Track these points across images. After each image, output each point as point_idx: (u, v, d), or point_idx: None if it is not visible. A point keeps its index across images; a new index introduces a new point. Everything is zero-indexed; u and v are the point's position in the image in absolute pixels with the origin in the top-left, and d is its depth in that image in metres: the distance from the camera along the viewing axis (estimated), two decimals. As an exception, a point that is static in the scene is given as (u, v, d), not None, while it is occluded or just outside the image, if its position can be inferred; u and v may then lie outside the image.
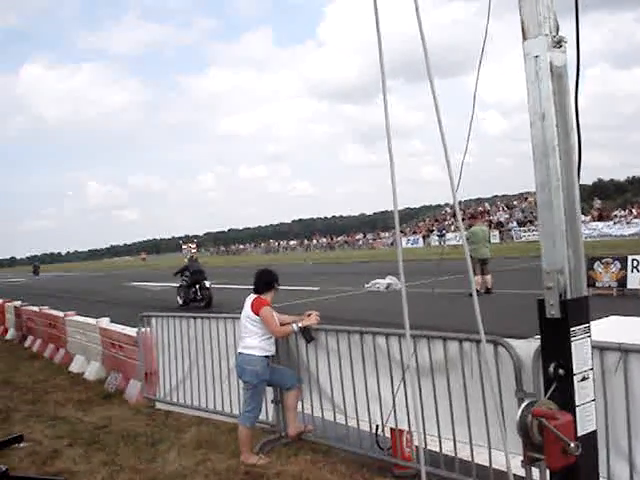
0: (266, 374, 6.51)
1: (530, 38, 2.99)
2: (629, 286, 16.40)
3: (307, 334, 6.53)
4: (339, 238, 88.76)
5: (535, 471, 4.47)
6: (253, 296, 6.71)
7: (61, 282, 56.76)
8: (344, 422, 6.27)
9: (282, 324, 6.58)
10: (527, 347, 4.65)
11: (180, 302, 22.75)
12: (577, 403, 2.97)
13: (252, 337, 6.52)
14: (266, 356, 6.52)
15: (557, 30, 3.02)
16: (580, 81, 3.11)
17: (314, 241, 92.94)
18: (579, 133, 3.07)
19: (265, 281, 6.78)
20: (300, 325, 6.49)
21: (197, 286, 21.98)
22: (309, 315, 6.63)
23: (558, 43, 2.98)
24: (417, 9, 2.41)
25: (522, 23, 3.02)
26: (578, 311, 2.98)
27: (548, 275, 2.97)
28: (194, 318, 8.12)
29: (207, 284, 21.85)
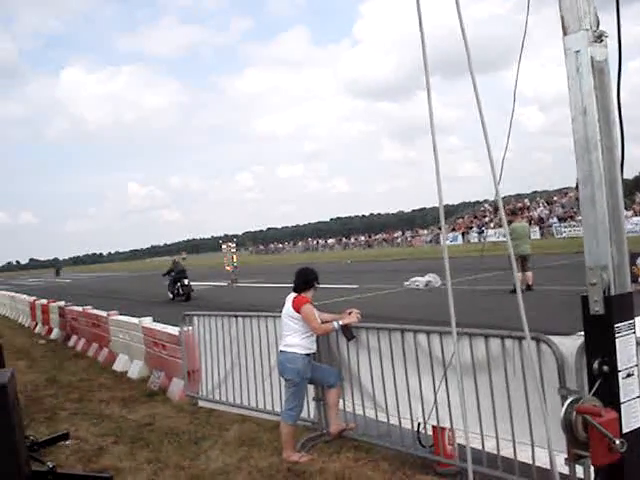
0: (307, 372, 6.51)
1: (570, 33, 2.98)
2: (674, 282, 16.07)
3: (348, 332, 6.51)
4: (377, 236, 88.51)
5: (579, 469, 4.44)
6: (293, 294, 6.70)
7: (103, 282, 57.50)
8: (386, 420, 6.27)
9: (323, 322, 6.57)
10: (570, 344, 4.61)
11: (170, 296, 27.21)
12: (622, 400, 2.95)
13: (293, 335, 6.53)
14: (307, 354, 6.51)
15: (597, 24, 3.00)
16: (624, 74, 3.08)
17: (352, 239, 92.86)
18: (622, 128, 3.05)
19: (305, 279, 6.78)
20: (341, 323, 6.47)
21: (179, 283, 26.90)
22: (350, 313, 6.61)
23: (599, 37, 2.96)
24: (458, 5, 2.41)
25: (562, 18, 3.00)
26: (622, 307, 2.96)
27: (592, 271, 2.96)
28: (235, 317, 8.18)
29: (186, 282, 26.64)
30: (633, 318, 3.00)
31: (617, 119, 3.02)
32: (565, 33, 3.00)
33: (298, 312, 6.52)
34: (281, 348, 6.66)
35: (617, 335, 2.91)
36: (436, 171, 2.72)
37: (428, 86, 2.51)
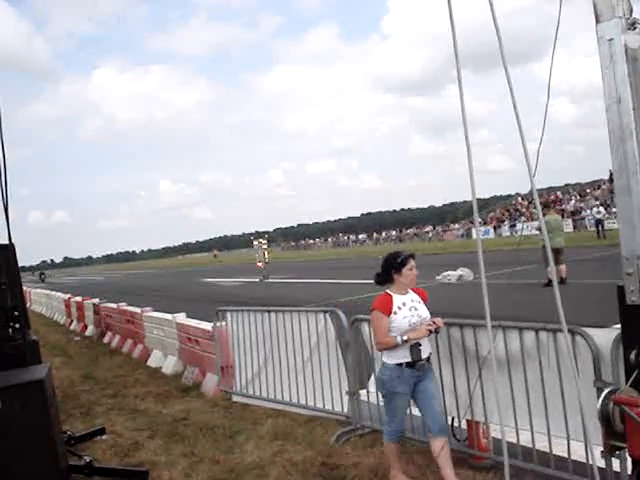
0: (395, 386, 5.30)
1: (603, 21, 2.95)
2: None
3: (414, 352, 5.28)
4: (408, 231, 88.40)
5: (615, 462, 4.40)
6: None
7: (136, 280, 58.05)
8: (419, 413, 6.26)
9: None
10: (605, 336, 4.58)
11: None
12: (660, 391, 2.91)
13: None
14: (398, 364, 5.27)
15: (631, 12, 2.96)
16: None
17: (383, 234, 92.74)
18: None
19: (382, 270, 5.50)
20: (405, 338, 5.19)
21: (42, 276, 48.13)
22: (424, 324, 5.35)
23: (632, 25, 2.93)
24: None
25: (595, 6, 2.97)
26: (659, 297, 2.92)
27: (627, 261, 2.93)
28: (268, 312, 8.22)
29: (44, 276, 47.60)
30: (671, 308, 2.96)
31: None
32: (598, 21, 2.96)
33: None
34: None
35: (654, 325, 2.88)
36: (469, 164, 2.71)
37: (460, 78, 2.50)
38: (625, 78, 2.89)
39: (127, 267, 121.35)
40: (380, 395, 5.72)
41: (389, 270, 5.41)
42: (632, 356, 2.93)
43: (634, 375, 2.93)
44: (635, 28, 2.95)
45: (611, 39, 2.92)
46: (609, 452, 3.09)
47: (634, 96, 2.90)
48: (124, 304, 16.06)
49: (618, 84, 2.90)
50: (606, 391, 2.98)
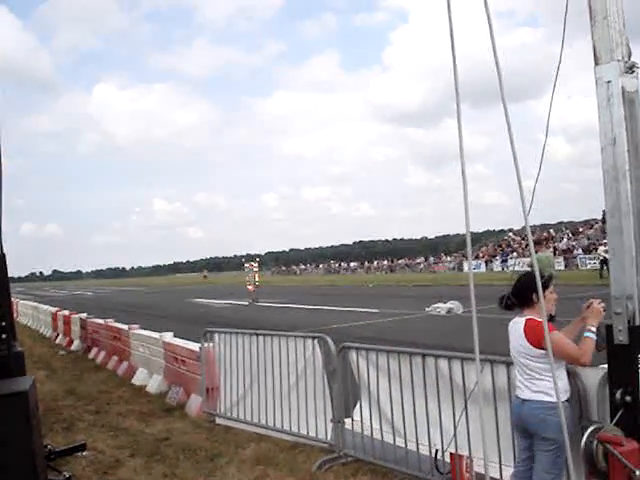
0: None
1: (602, 63, 3.00)
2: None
3: (600, 338, 4.04)
4: (400, 261, 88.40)
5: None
6: (519, 320, 4.61)
7: (125, 297, 57.83)
8: (403, 445, 6.24)
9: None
10: (592, 375, 4.57)
11: None
12: (644, 431, 2.93)
13: (543, 376, 4.38)
14: (567, 400, 4.37)
15: (629, 56, 3.02)
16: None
17: (375, 263, 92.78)
18: (651, 159, 3.05)
19: (517, 290, 4.63)
20: (594, 329, 4.08)
21: None
22: (588, 307, 4.41)
23: (630, 69, 2.99)
24: (492, 34, 2.44)
25: (594, 48, 3.03)
26: (647, 338, 2.95)
27: (617, 300, 2.96)
28: (256, 335, 8.20)
29: None
30: (657, 349, 2.98)
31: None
32: (597, 63, 3.02)
33: (540, 347, 4.33)
34: (528, 396, 4.48)
35: (641, 366, 2.91)
36: (464, 197, 2.73)
37: (459, 111, 2.53)
38: (621, 120, 2.94)
39: (116, 283, 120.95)
40: (550, 444, 4.23)
41: (528, 292, 4.50)
42: (618, 395, 2.95)
43: (619, 414, 2.95)
44: (633, 72, 3.01)
45: (609, 81, 2.97)
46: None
47: (629, 138, 2.94)
48: (111, 320, 15.99)
49: (614, 125, 2.95)
50: (590, 429, 3.00)
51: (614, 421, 2.95)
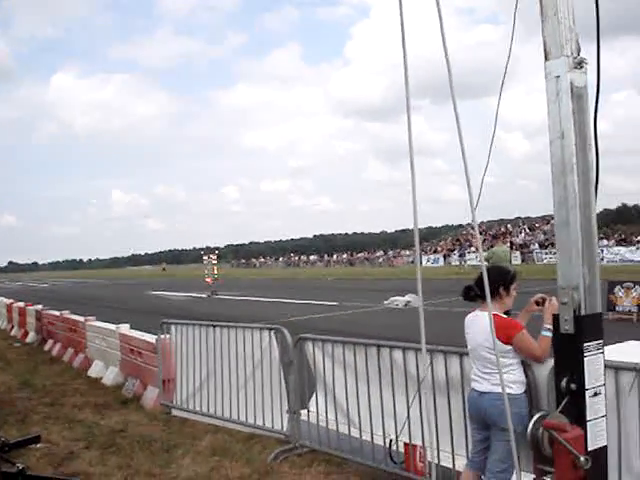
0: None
1: (552, 59, 3.06)
2: (650, 311, 16.32)
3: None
4: (359, 254, 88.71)
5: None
6: (481, 314, 4.63)
7: (82, 289, 57.20)
8: (358, 435, 6.30)
9: None
10: (542, 366, 4.66)
11: None
12: (588, 418, 3.00)
13: (507, 370, 4.46)
14: (524, 392, 4.56)
15: (578, 51, 3.08)
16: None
17: (334, 257, 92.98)
18: (597, 152, 3.12)
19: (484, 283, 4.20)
20: (549, 327, 4.18)
21: None
22: (537, 303, 4.62)
23: (579, 64, 3.05)
24: (442, 31, 2.48)
25: (544, 44, 3.09)
26: (591, 327, 3.02)
27: (563, 291, 3.02)
28: (213, 327, 8.19)
29: None
30: (602, 338, 3.06)
31: (593, 144, 3.10)
32: (547, 58, 3.08)
33: (509, 343, 4.47)
34: (487, 389, 4.57)
35: (586, 354, 2.98)
36: (412, 191, 2.76)
37: (408, 104, 2.57)
38: (569, 114, 3.00)
39: (74, 275, 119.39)
40: (505, 434, 4.01)
41: (496, 285, 4.54)
42: (563, 383, 3.02)
43: (564, 402, 3.02)
44: (582, 67, 3.07)
45: (558, 76, 3.03)
46: (538, 475, 3.17)
47: (577, 132, 3.01)
48: (67, 312, 15.79)
49: (562, 120, 3.01)
50: (536, 417, 3.07)
51: (559, 408, 3.02)
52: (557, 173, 3.03)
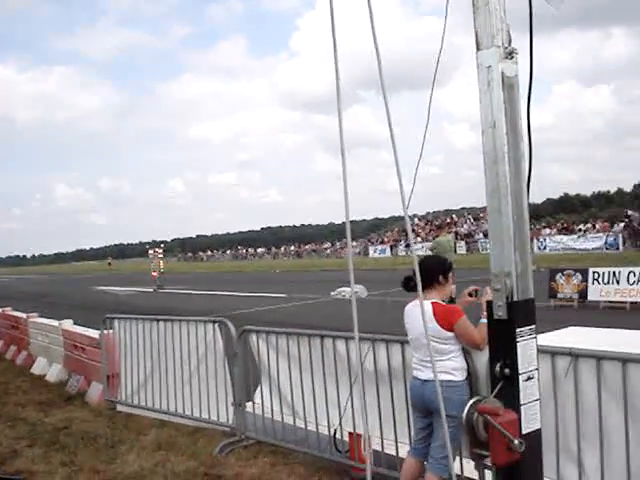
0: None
1: (483, 49, 3.10)
2: (590, 298, 16.75)
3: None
4: (307, 246, 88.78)
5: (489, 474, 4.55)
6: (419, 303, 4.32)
7: (25, 285, 56.12)
8: (303, 426, 6.33)
9: None
10: (481, 352, 4.73)
11: None
12: (522, 402, 3.07)
13: (449, 357, 4.57)
14: (466, 379, 4.60)
15: (509, 42, 3.13)
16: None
17: (282, 249, 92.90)
18: (530, 142, 3.18)
19: (425, 273, 4.40)
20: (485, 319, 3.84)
21: None
22: (470, 294, 4.76)
23: (510, 54, 3.10)
24: (372, 22, 2.49)
25: (476, 34, 3.13)
26: (524, 313, 3.09)
27: (496, 277, 3.08)
28: (157, 321, 8.12)
29: None
30: (534, 323, 3.13)
31: (525, 133, 3.16)
32: (478, 49, 3.12)
33: (450, 330, 4.55)
34: (427, 377, 4.60)
35: (519, 339, 3.04)
36: (344, 182, 2.78)
37: (339, 95, 2.58)
38: (500, 104, 3.05)
39: (17, 272, 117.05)
40: (449, 420, 3.59)
41: (435, 274, 4.70)
42: (497, 368, 3.08)
43: (498, 387, 3.08)
44: (512, 57, 3.12)
45: (489, 66, 3.07)
46: (474, 459, 3.23)
47: (508, 122, 3.06)
48: (9, 309, 15.49)
49: (494, 109, 3.06)
50: (471, 402, 3.13)
51: (494, 393, 3.08)
52: (489, 162, 3.08)
